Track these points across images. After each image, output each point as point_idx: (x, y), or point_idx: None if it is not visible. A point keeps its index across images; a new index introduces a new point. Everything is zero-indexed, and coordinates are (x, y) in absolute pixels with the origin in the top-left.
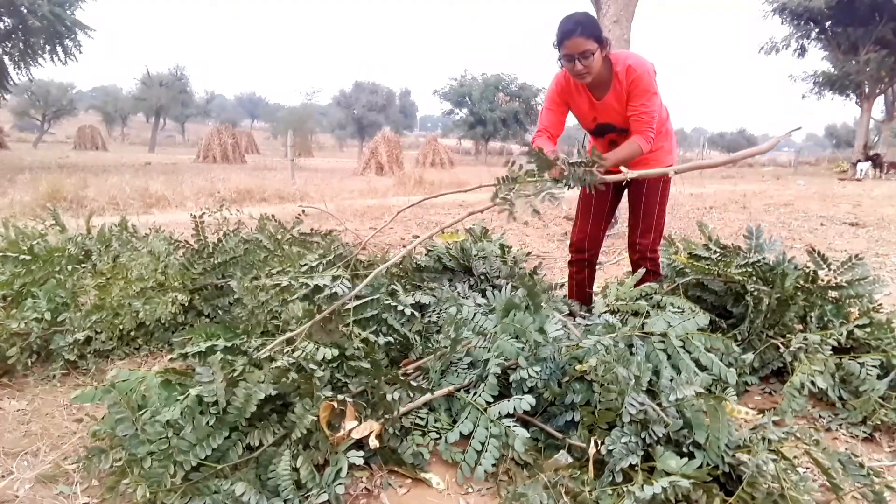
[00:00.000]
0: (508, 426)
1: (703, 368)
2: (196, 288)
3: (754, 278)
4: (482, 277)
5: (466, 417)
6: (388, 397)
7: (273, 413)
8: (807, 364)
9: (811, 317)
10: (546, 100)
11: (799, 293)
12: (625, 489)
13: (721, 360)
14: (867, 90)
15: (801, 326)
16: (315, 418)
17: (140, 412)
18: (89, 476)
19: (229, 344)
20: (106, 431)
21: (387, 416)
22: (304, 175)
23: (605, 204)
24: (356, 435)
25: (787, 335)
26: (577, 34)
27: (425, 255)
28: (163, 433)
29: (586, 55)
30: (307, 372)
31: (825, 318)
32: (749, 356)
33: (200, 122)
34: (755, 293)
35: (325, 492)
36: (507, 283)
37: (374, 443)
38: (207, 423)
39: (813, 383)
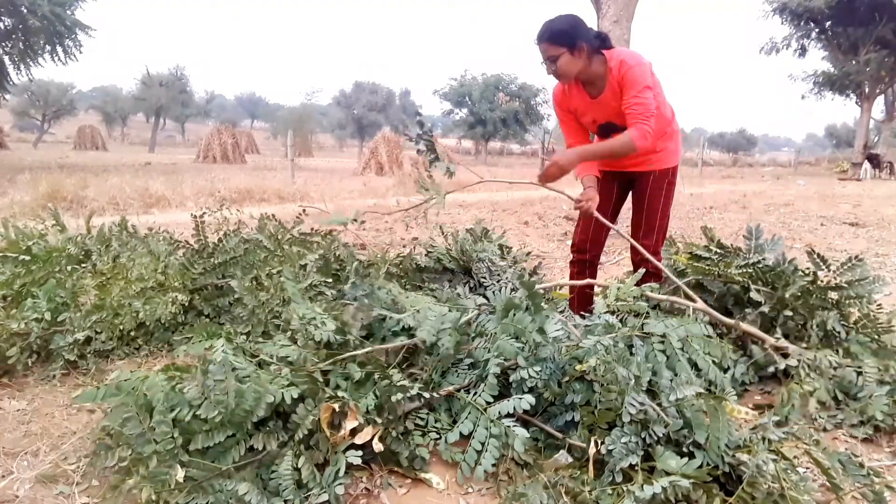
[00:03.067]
0: (508, 426)
1: (699, 371)
2: (196, 288)
3: (755, 279)
4: (483, 278)
5: (466, 417)
6: (393, 399)
7: (278, 419)
8: (807, 384)
9: (812, 323)
10: (558, 116)
11: (800, 296)
12: (625, 489)
13: (718, 364)
14: (867, 90)
15: (801, 328)
16: (316, 418)
17: (147, 412)
18: (89, 476)
19: (231, 343)
20: (114, 428)
21: (390, 418)
22: (304, 175)
23: (608, 205)
24: (358, 441)
25: (788, 337)
26: (544, 40)
27: (425, 255)
28: (169, 433)
29: (553, 59)
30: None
31: (826, 323)
32: (741, 368)
33: (200, 122)
34: (756, 296)
35: (325, 492)
36: (507, 284)
37: (378, 446)
38: (212, 418)
39: (811, 393)
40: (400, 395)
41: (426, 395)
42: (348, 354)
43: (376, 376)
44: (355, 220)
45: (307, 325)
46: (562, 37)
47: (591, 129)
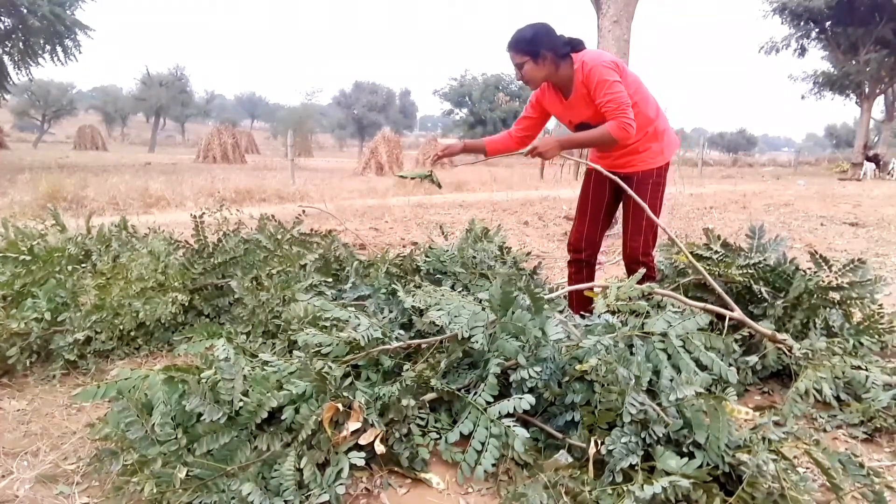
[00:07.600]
0: (508, 426)
1: (703, 368)
2: (196, 288)
3: (756, 279)
4: (483, 278)
5: (466, 417)
6: (404, 402)
7: (282, 421)
8: (812, 371)
9: (815, 321)
10: (527, 104)
11: (804, 296)
12: (625, 489)
13: (721, 360)
14: (867, 90)
15: (804, 327)
16: (320, 418)
17: (148, 412)
18: (89, 476)
19: (233, 343)
20: (116, 433)
21: (395, 419)
22: (304, 175)
23: (603, 204)
24: (362, 442)
25: (790, 334)
26: (510, 48)
27: (425, 255)
28: (172, 434)
29: (520, 66)
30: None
31: (830, 322)
32: (753, 358)
33: (200, 122)
34: (759, 296)
35: (325, 492)
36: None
37: (380, 448)
38: (217, 419)
39: (818, 391)
40: (412, 401)
41: (444, 388)
42: (381, 348)
43: (404, 368)
44: (431, 178)
45: (344, 325)
46: (525, 45)
47: (569, 127)
